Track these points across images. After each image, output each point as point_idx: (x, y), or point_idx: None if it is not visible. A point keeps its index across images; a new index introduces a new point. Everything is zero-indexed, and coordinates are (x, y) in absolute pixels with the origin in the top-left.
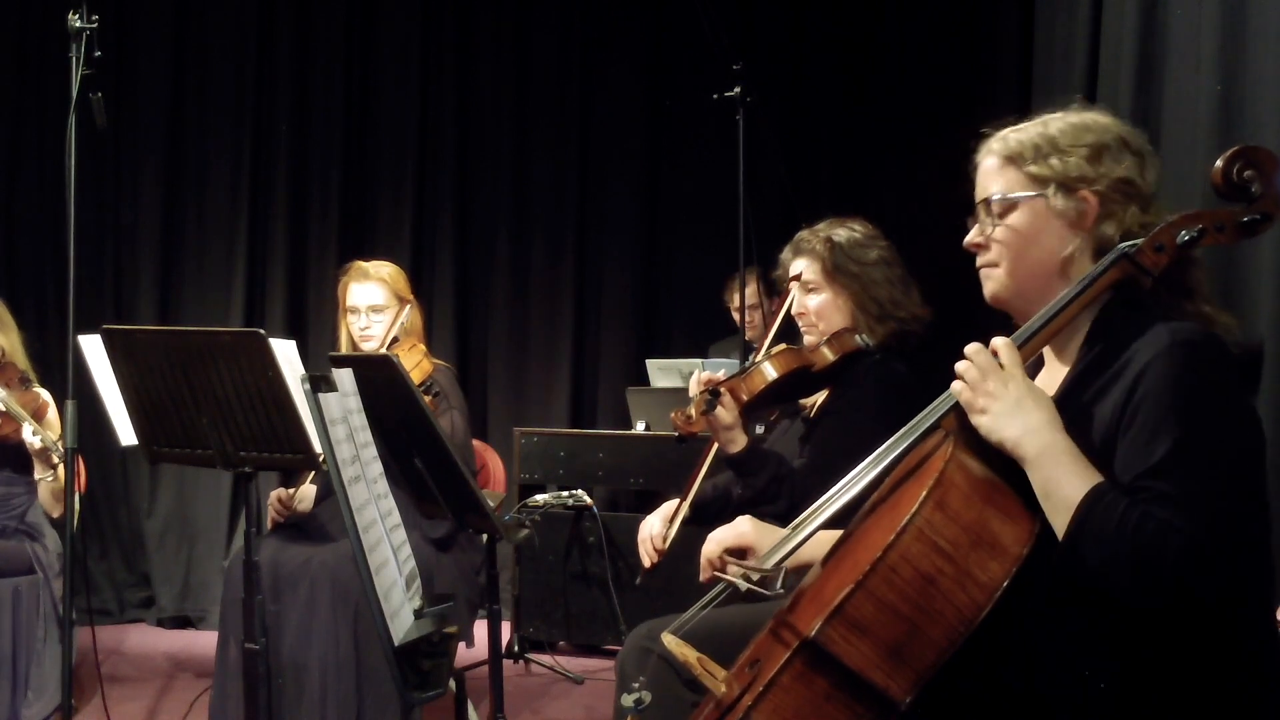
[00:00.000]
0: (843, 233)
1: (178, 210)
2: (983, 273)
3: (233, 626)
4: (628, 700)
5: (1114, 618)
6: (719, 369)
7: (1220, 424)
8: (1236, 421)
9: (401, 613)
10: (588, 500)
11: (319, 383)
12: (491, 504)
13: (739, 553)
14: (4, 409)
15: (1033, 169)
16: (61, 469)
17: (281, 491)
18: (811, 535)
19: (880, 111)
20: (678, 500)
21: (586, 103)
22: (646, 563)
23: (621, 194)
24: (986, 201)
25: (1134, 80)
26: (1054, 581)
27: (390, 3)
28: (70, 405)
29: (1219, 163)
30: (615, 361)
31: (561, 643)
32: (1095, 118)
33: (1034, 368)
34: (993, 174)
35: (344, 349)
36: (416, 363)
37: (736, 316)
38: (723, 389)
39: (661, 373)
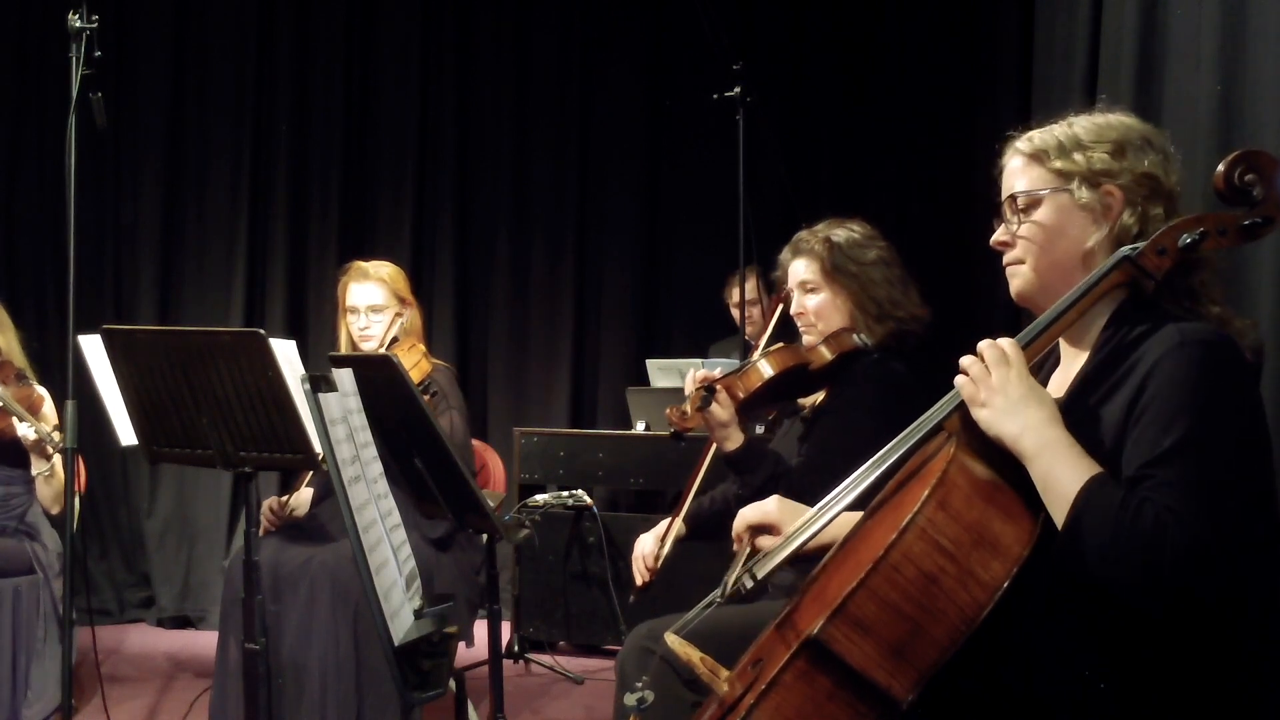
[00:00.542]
0: (841, 233)
1: (178, 210)
2: (1009, 270)
3: (233, 626)
4: (630, 700)
5: (1114, 618)
6: (718, 368)
7: (1229, 421)
8: (1247, 421)
9: (401, 613)
10: (588, 500)
11: (319, 383)
12: (491, 504)
13: (765, 530)
14: (1, 404)
15: (1057, 164)
16: (58, 461)
17: (273, 500)
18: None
19: (880, 111)
20: (670, 518)
21: (586, 103)
22: (639, 580)
23: (621, 194)
24: (1012, 198)
25: (1134, 80)
26: (1055, 581)
27: (390, 3)
28: (70, 405)
29: (1220, 167)
30: (615, 361)
31: (561, 643)
32: (1120, 118)
33: (1051, 367)
34: (1018, 172)
35: (344, 349)
36: (415, 363)
37: (735, 314)
38: (718, 386)
39: (661, 373)
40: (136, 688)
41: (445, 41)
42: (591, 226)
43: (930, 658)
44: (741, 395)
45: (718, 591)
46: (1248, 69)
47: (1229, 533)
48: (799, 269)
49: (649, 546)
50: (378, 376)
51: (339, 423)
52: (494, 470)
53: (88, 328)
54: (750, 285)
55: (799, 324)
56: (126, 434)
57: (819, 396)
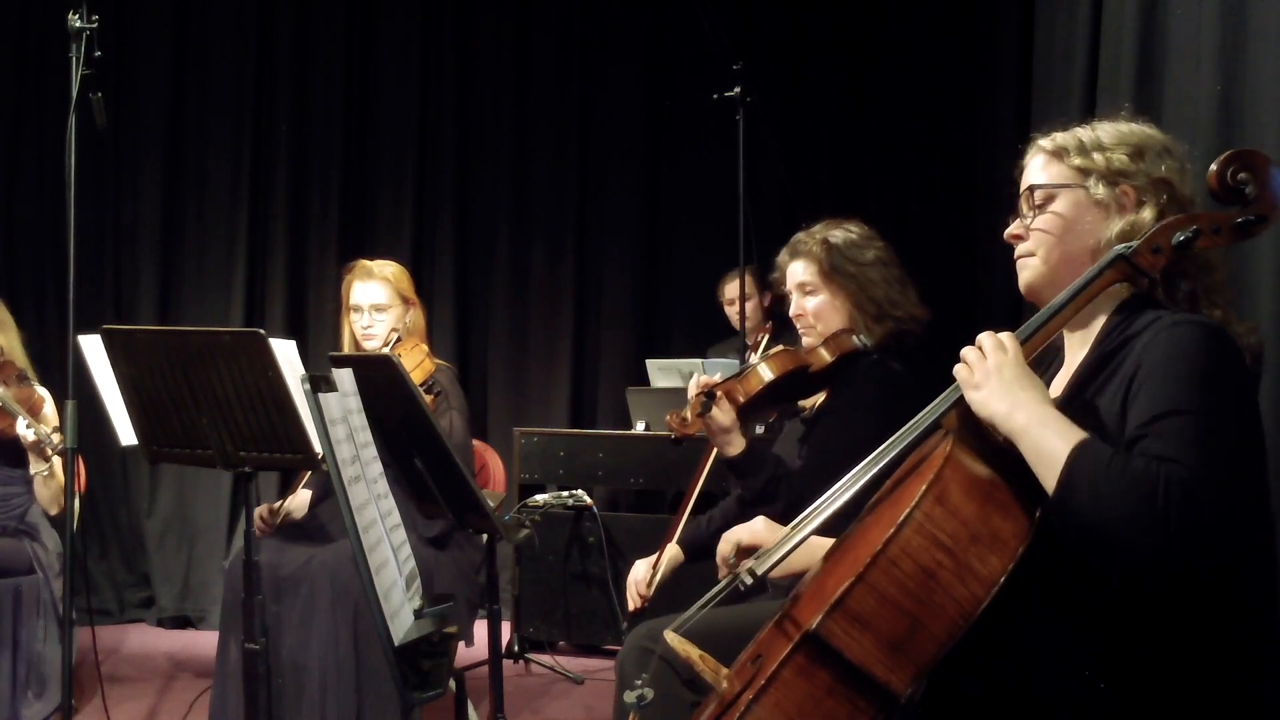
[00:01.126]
0: (838, 234)
1: (178, 210)
2: (1019, 263)
3: (233, 626)
4: (630, 697)
5: (1114, 617)
6: (719, 370)
7: (1223, 391)
8: (1239, 400)
9: (401, 613)
10: (588, 500)
11: (319, 383)
12: (491, 504)
13: (752, 551)
14: (1, 404)
15: (1076, 161)
16: (57, 462)
17: (264, 508)
18: (807, 538)
19: (880, 111)
20: (663, 545)
21: (586, 103)
22: (631, 606)
23: (621, 194)
24: (1030, 191)
25: (1134, 80)
26: (1054, 580)
27: (390, 3)
28: (70, 405)
29: (1214, 166)
30: (615, 361)
31: (561, 643)
32: (1141, 127)
33: (1057, 368)
34: (1037, 169)
35: (346, 348)
36: (419, 363)
37: (728, 312)
38: (718, 391)
39: (661, 373)
40: (136, 688)
41: (445, 41)
42: (591, 226)
43: (929, 652)
44: (742, 400)
45: (715, 589)
46: (1248, 69)
47: (1224, 480)
48: (797, 271)
49: (641, 573)
50: (378, 376)
51: (339, 423)
52: (494, 470)
53: (88, 328)
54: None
55: (798, 325)
56: (126, 434)
57: (819, 397)
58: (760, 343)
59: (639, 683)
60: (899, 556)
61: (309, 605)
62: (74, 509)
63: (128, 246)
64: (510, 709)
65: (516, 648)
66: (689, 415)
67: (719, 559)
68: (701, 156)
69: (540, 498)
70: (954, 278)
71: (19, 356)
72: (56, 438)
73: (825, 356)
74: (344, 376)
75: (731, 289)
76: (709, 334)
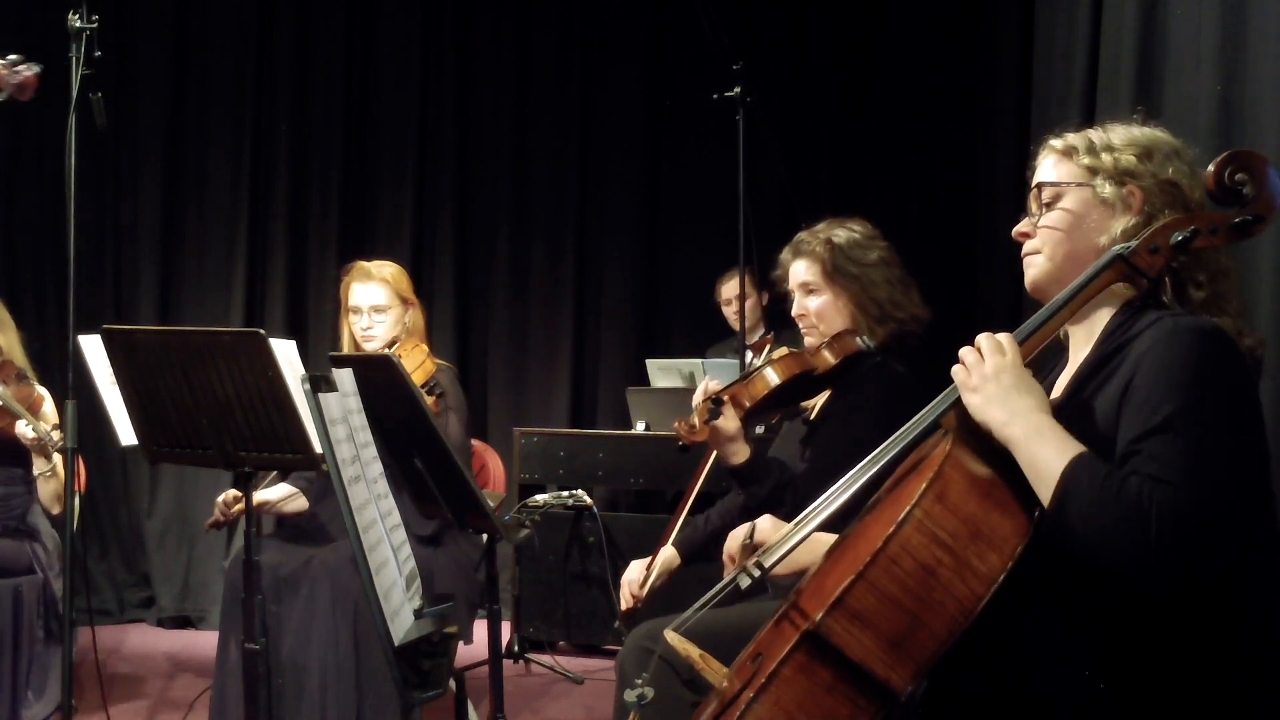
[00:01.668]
0: (842, 233)
1: (178, 210)
2: (1026, 260)
3: (233, 626)
4: (630, 696)
5: (1114, 617)
6: (719, 370)
7: (1220, 399)
8: (1238, 401)
9: (401, 613)
10: (588, 500)
11: (319, 383)
12: (491, 504)
13: (757, 548)
14: (1, 404)
15: (1085, 160)
16: (59, 461)
17: (228, 495)
18: (809, 535)
19: (880, 111)
20: (659, 547)
21: (586, 103)
22: (623, 606)
23: (621, 194)
24: (1038, 188)
25: (1134, 80)
26: (1053, 579)
27: (390, 3)
28: (70, 405)
29: (1211, 167)
30: (615, 361)
31: (561, 643)
32: (1153, 130)
33: (1061, 368)
34: (1047, 168)
35: (346, 349)
36: (419, 363)
37: (726, 311)
38: (725, 397)
39: (661, 373)
40: (136, 688)
41: (445, 41)
42: (591, 226)
43: (929, 650)
44: (748, 404)
45: (717, 586)
46: (1248, 69)
47: (1216, 500)
48: (799, 270)
49: (635, 573)
50: (378, 376)
51: (339, 423)
52: (494, 470)
53: (88, 328)
54: (736, 284)
55: (800, 325)
56: (126, 434)
57: (822, 398)
58: (763, 345)
59: (639, 682)
60: (899, 554)
61: (309, 605)
62: (74, 509)
63: (128, 246)
64: (510, 709)
65: (516, 648)
66: (696, 423)
67: (725, 556)
68: (701, 156)
69: (540, 498)
70: (954, 278)
71: (18, 356)
72: (56, 435)
73: (829, 359)
74: (344, 376)
75: (728, 289)
76: (709, 334)
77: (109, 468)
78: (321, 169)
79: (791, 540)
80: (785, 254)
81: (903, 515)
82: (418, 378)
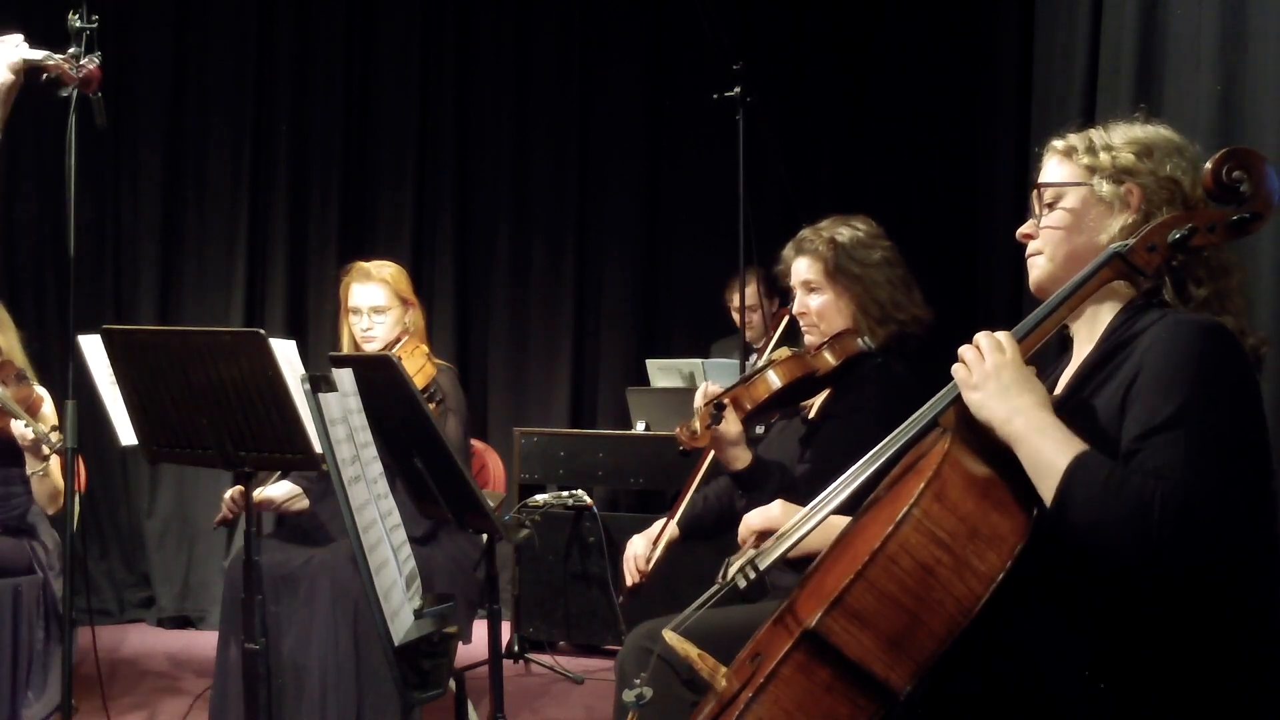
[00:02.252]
0: (846, 232)
1: (178, 210)
2: (1029, 262)
3: (233, 626)
4: (629, 696)
5: (1114, 617)
6: (719, 371)
7: (1222, 395)
8: (1241, 397)
9: (401, 613)
10: (588, 500)
11: (319, 383)
12: (491, 504)
13: (771, 534)
14: (0, 404)
15: (1084, 160)
16: (54, 462)
17: (235, 491)
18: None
19: (880, 111)
20: (664, 520)
21: (586, 103)
22: (629, 581)
23: (621, 194)
24: (1039, 190)
25: (1134, 80)
26: (1054, 579)
27: (390, 3)
28: (70, 405)
29: (1208, 164)
30: (615, 361)
31: (561, 643)
32: (1154, 127)
33: (1063, 367)
34: (1050, 168)
35: (346, 350)
36: (420, 367)
37: (736, 317)
38: (726, 400)
39: (661, 373)
40: (136, 688)
41: (445, 42)
42: (591, 226)
43: (928, 649)
44: (749, 407)
45: (715, 587)
46: (1248, 69)
47: (1219, 498)
48: (801, 268)
49: (641, 548)
50: (378, 376)
51: (339, 423)
52: (494, 470)
53: (88, 328)
54: (751, 290)
55: (801, 323)
56: (126, 434)
57: (821, 398)
58: (766, 345)
59: (638, 681)
60: (898, 553)
61: (309, 605)
62: (74, 509)
63: (128, 246)
64: (510, 709)
65: (516, 648)
66: (699, 428)
67: (740, 541)
68: (701, 156)
69: (540, 498)
70: (954, 278)
71: (18, 356)
72: (55, 437)
73: (830, 360)
74: (344, 376)
75: (739, 297)
76: (709, 334)
77: (109, 468)
78: (321, 169)
79: (790, 540)
80: (788, 251)
81: (901, 514)
82: (419, 381)
